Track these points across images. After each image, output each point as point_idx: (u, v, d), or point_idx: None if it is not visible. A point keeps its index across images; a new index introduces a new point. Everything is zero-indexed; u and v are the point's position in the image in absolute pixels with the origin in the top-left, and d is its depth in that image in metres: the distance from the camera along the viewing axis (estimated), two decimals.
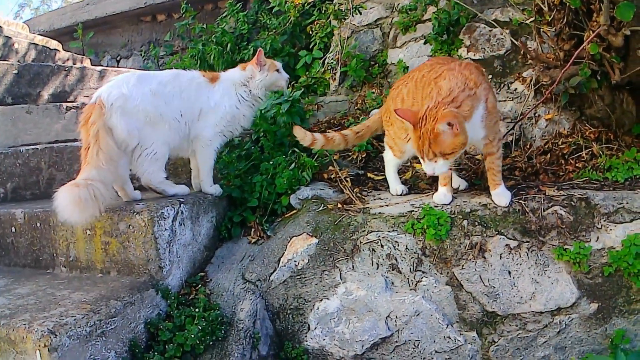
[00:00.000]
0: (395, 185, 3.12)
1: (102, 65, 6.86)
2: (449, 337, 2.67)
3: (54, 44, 6.68)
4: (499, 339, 2.66)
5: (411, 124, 2.53)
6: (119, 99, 2.88)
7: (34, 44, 6.02)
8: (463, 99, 2.53)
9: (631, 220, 2.63)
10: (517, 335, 2.64)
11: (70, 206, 2.59)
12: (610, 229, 2.63)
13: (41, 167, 3.73)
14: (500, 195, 2.78)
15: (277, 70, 3.38)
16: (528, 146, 3.53)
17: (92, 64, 6.32)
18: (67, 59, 6.24)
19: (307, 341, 2.80)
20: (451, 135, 2.45)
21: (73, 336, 2.29)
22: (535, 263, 2.64)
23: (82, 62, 6.33)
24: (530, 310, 2.63)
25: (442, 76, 2.67)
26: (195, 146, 3.20)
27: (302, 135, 3.14)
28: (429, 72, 2.82)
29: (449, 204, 2.81)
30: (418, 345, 2.70)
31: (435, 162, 2.54)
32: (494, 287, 2.65)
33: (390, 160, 3.09)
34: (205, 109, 3.17)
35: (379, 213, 2.86)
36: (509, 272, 2.65)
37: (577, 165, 3.23)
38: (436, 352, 2.70)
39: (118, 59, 7.93)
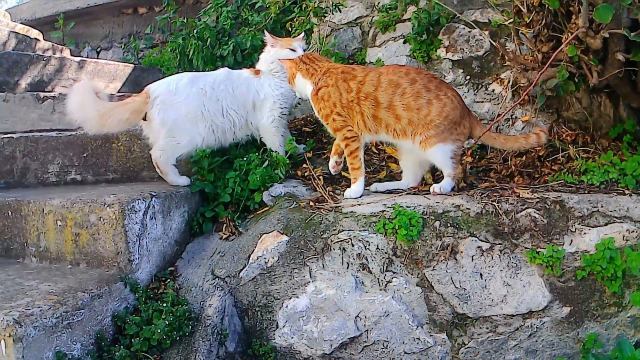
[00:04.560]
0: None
1: (81, 56, 6.81)
2: (419, 339, 2.65)
3: (34, 33, 6.62)
4: (469, 341, 2.64)
5: None
6: (164, 94, 3.10)
7: (14, 32, 5.95)
8: None
9: (606, 224, 2.62)
10: (488, 337, 2.63)
11: None
12: (585, 233, 2.62)
13: (16, 156, 3.69)
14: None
15: (291, 49, 3.40)
16: None
17: (72, 55, 6.26)
18: (47, 49, 6.19)
19: (275, 339, 2.77)
20: None
21: (39, 327, 2.27)
22: (508, 266, 2.63)
23: (61, 52, 6.26)
24: (501, 313, 2.62)
25: None
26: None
27: None
28: None
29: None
30: (387, 345, 2.68)
31: None
32: (465, 289, 2.64)
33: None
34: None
35: (351, 212, 2.83)
36: (481, 275, 2.64)
37: (552, 167, 3.22)
38: (405, 353, 2.68)
39: (98, 50, 7.88)
